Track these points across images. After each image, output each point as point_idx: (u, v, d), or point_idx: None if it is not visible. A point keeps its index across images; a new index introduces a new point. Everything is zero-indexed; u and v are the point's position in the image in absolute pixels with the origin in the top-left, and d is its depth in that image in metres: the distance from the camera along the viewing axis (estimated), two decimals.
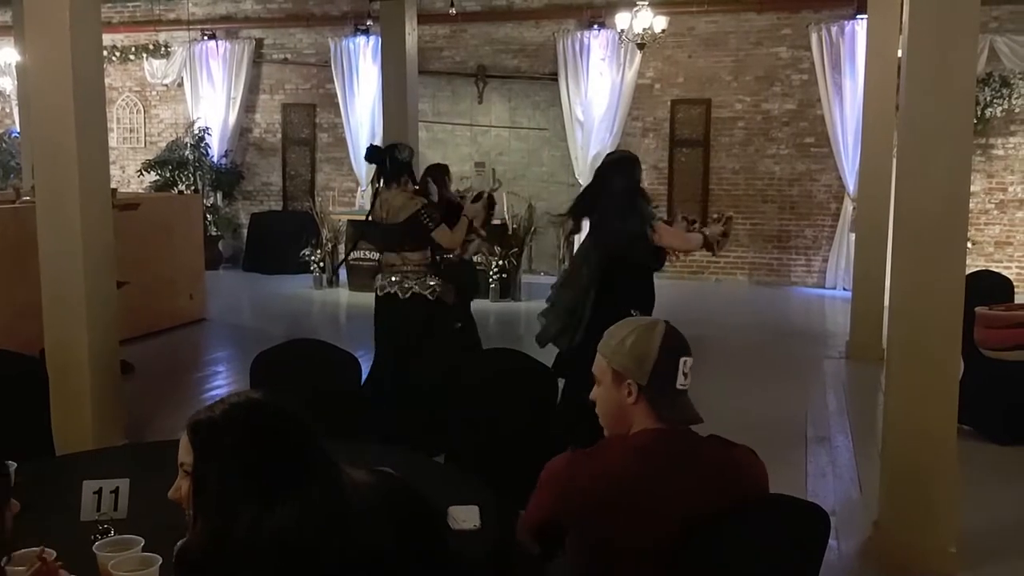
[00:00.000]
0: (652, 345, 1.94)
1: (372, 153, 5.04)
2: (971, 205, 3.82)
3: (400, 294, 4.79)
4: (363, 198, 10.84)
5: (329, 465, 1.48)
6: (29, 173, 8.53)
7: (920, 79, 3.54)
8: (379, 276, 4.96)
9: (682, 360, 1.95)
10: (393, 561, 1.45)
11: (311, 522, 1.40)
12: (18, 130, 12.18)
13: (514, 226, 10.11)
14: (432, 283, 4.83)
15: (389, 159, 4.91)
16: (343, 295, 10.40)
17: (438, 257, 4.92)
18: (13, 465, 2.26)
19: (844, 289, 10.02)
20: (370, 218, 5.04)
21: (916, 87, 3.56)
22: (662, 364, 1.93)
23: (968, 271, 3.79)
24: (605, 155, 4.89)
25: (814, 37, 10.32)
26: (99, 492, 2.17)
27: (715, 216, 5.21)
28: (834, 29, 10.24)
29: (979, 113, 9.43)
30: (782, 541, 1.86)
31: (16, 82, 11.27)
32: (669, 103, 11.26)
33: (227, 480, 1.44)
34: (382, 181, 4.98)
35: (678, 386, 1.94)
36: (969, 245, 3.88)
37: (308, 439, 1.49)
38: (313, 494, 1.42)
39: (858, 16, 9.85)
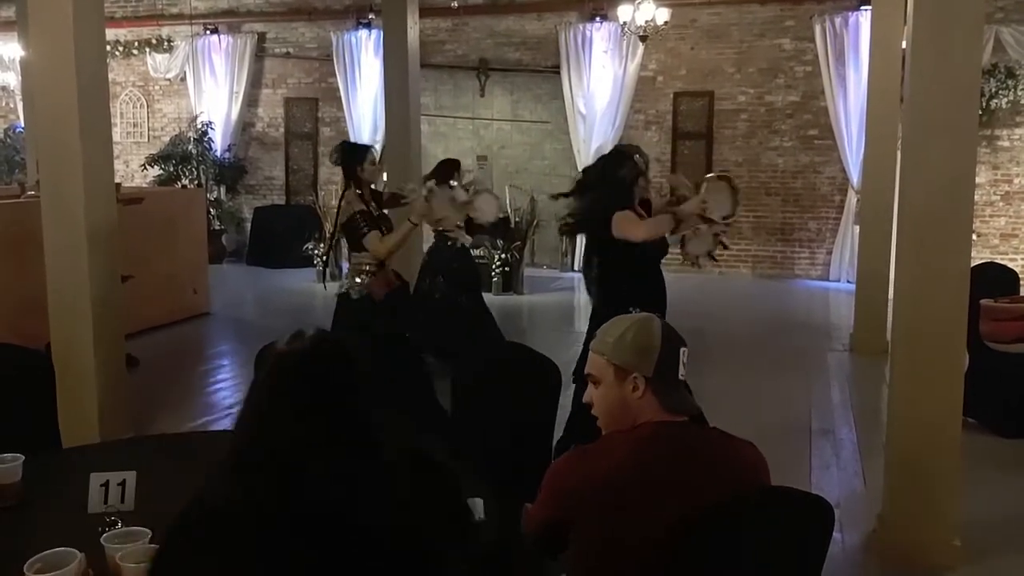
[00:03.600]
0: (655, 337, 1.96)
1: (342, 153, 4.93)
2: (976, 197, 3.81)
3: (352, 293, 4.67)
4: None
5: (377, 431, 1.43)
6: (33, 168, 8.53)
7: (924, 70, 3.53)
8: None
9: (682, 350, 1.99)
10: (419, 539, 1.41)
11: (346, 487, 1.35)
12: (22, 125, 12.19)
13: (516, 219, 10.11)
14: (360, 280, 4.68)
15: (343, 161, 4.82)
16: None
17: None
18: (21, 458, 2.28)
19: (848, 282, 10.02)
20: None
21: (920, 78, 3.55)
22: (665, 355, 1.95)
23: (973, 263, 3.77)
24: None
25: (818, 28, 10.29)
26: (106, 484, 2.18)
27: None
28: (838, 20, 10.21)
29: (984, 104, 9.40)
30: (786, 534, 1.86)
31: (20, 77, 11.27)
32: (672, 96, 11.24)
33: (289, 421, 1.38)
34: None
35: (680, 376, 1.97)
36: (974, 237, 3.87)
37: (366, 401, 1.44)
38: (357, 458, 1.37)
39: (862, 7, 9.83)
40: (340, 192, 4.87)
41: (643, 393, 1.94)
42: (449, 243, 6.43)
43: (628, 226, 4.05)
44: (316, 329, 1.47)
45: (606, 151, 10.64)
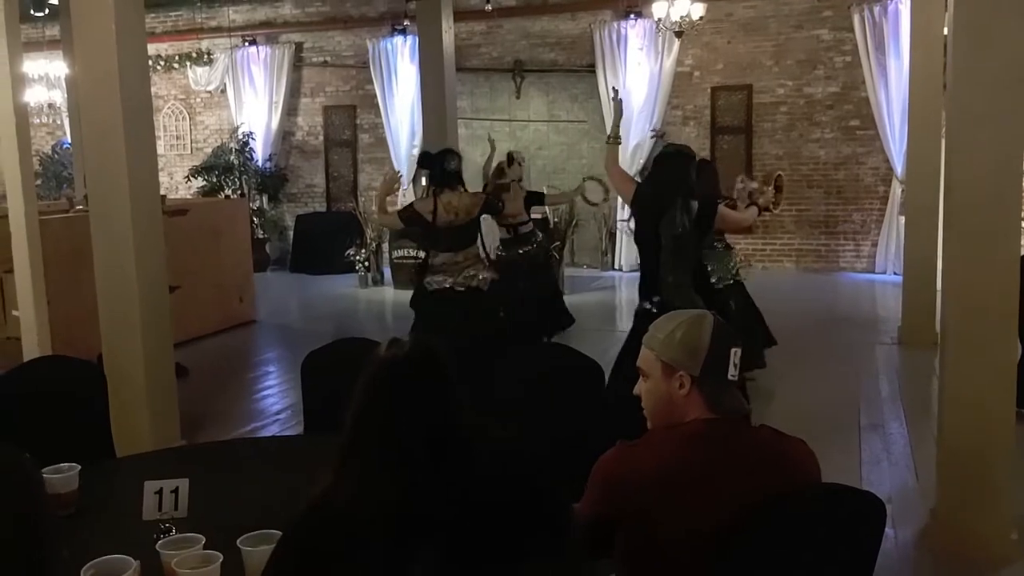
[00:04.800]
0: (704, 337, 1.94)
1: (424, 159, 5.52)
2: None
3: (458, 287, 5.12)
4: (405, 197, 10.91)
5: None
6: (81, 183, 8.73)
7: (967, 56, 3.47)
8: (435, 276, 5.17)
9: (732, 351, 1.94)
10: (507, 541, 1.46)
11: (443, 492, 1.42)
12: (69, 141, 12.47)
13: (555, 219, 10.09)
14: (486, 275, 5.23)
15: (441, 170, 5.24)
16: (388, 293, 10.49)
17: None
18: (77, 467, 2.34)
19: (895, 274, 9.85)
20: (432, 220, 5.19)
21: (964, 65, 3.48)
22: (714, 355, 1.93)
23: (1023, 252, 3.70)
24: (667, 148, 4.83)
25: (856, 18, 10.14)
26: (160, 492, 2.22)
27: (762, 178, 5.74)
28: (877, 9, 10.06)
29: None
30: (837, 531, 1.84)
31: (66, 94, 11.53)
32: (709, 90, 11.16)
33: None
34: (434, 186, 5.30)
35: (729, 376, 1.93)
36: (1023, 225, 3.80)
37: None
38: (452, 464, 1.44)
39: None
40: (433, 197, 5.28)
41: (689, 391, 1.93)
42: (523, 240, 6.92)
43: (731, 221, 4.69)
44: (412, 335, 1.56)
45: (644, 148, 10.61)
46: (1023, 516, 3.59)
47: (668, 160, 4.45)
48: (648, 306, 4.28)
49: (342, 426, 1.50)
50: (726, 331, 1.97)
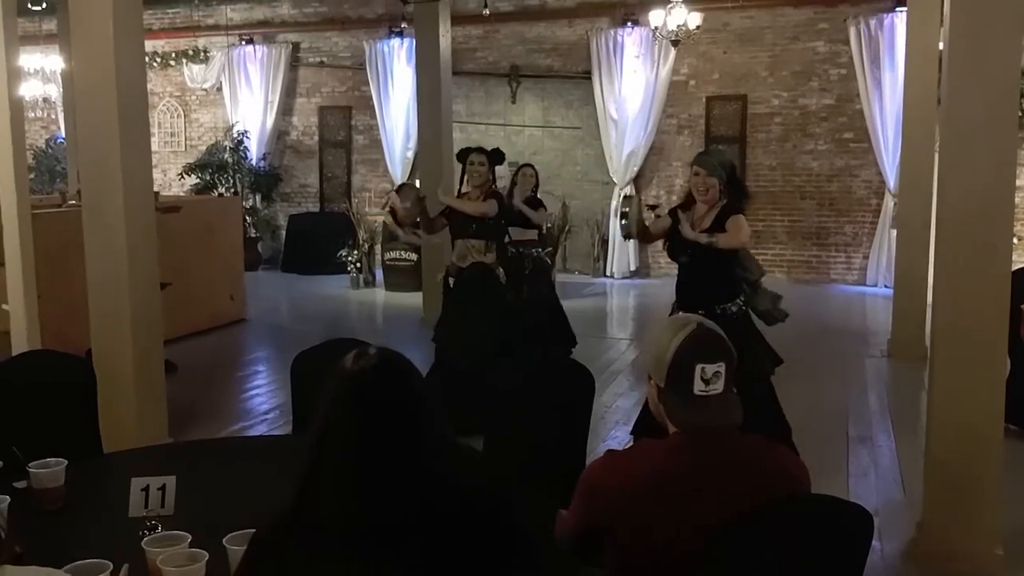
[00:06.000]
0: (668, 349, 1.92)
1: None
2: (1016, 200, 3.75)
3: (501, 277, 5.49)
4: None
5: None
6: (74, 177, 8.72)
7: (962, 72, 3.48)
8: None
9: (699, 367, 1.88)
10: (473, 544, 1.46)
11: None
12: (63, 135, 12.43)
13: (548, 225, 10.10)
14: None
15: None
16: (380, 295, 10.47)
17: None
18: (64, 463, 2.33)
19: (885, 286, 9.89)
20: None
21: (958, 80, 3.50)
22: (675, 369, 1.91)
23: (1014, 267, 3.71)
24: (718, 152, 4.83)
25: (852, 31, 10.19)
26: (146, 489, 2.21)
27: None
28: (872, 22, 10.11)
29: (1023, 105, 9.23)
30: (825, 542, 1.84)
31: (61, 89, 11.50)
32: (704, 100, 11.19)
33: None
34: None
35: (696, 392, 1.88)
36: (1015, 241, 3.82)
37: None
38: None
39: (897, 8, 9.72)
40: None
41: (659, 399, 1.95)
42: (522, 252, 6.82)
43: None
44: (379, 348, 1.54)
45: (639, 156, 10.54)
46: (1010, 532, 3.60)
47: (717, 156, 4.51)
48: (734, 308, 4.19)
49: (307, 439, 1.50)
50: (698, 346, 1.91)
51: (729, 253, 4.14)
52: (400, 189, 5.76)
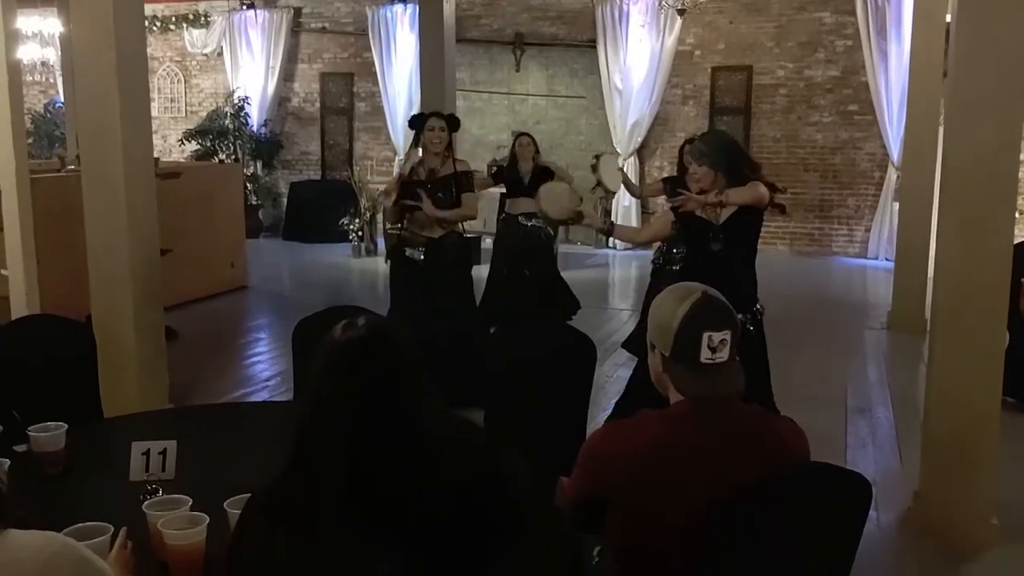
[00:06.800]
0: (675, 316, 1.91)
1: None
2: (1020, 173, 3.72)
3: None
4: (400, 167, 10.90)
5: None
6: (73, 142, 8.65)
7: (969, 44, 3.45)
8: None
9: (706, 335, 1.88)
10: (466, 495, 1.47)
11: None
12: (62, 100, 12.35)
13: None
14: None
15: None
16: (381, 264, 10.45)
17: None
18: (64, 427, 2.33)
19: (886, 259, 9.87)
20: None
21: (965, 52, 3.46)
22: (683, 337, 1.90)
23: (1016, 240, 3.70)
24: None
25: (859, 1, 10.08)
26: (147, 453, 2.22)
27: None
28: None
29: None
30: (823, 510, 1.85)
31: (60, 52, 11.41)
32: (709, 70, 11.11)
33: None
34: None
35: (703, 360, 1.88)
36: (1017, 215, 3.80)
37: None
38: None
39: None
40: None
41: (664, 369, 1.95)
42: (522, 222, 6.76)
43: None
44: (368, 317, 1.53)
45: (643, 126, 10.39)
46: (1005, 502, 3.62)
47: (711, 140, 4.05)
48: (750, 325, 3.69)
49: (298, 409, 1.49)
50: (705, 313, 1.91)
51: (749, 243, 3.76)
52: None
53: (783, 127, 10.87)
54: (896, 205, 8.99)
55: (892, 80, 9.98)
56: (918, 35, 7.21)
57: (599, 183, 4.85)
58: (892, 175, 10.11)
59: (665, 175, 6.63)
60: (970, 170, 3.45)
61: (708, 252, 3.65)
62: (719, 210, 3.63)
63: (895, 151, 9.94)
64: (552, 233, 7.20)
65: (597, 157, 5.22)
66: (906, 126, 7.57)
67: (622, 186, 6.06)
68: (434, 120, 5.06)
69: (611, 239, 11.33)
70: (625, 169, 9.60)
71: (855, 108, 10.55)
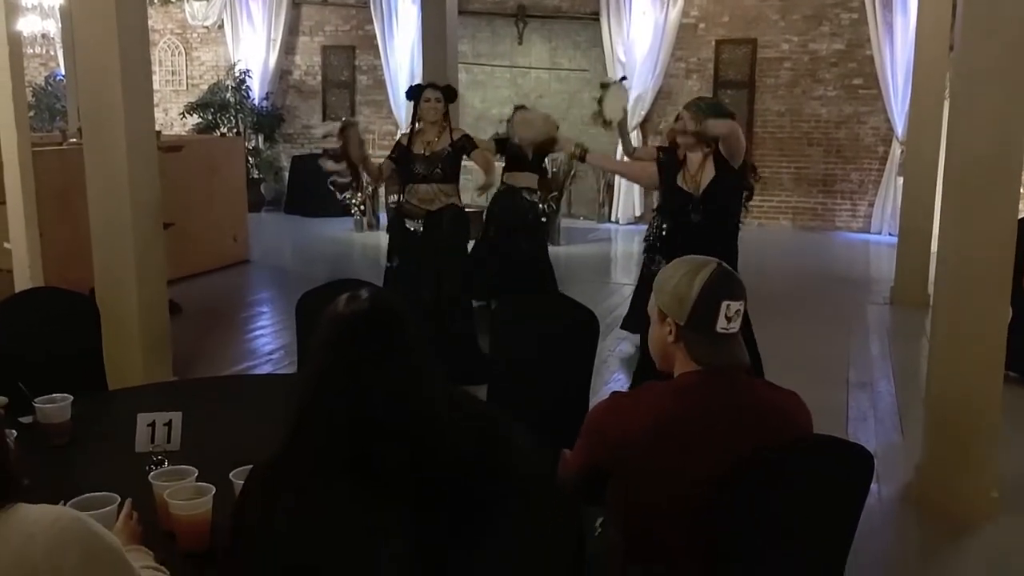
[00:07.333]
0: (694, 286, 1.92)
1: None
2: None
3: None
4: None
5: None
6: (75, 115, 8.62)
7: (976, 18, 3.42)
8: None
9: (724, 304, 1.90)
10: (468, 471, 1.47)
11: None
12: (63, 73, 12.28)
13: (554, 169, 10.02)
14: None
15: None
16: (383, 238, 10.43)
17: None
18: (70, 398, 2.34)
19: (890, 234, 9.86)
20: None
21: (972, 26, 3.44)
22: (701, 306, 1.91)
23: (1020, 215, 3.70)
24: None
25: None
26: (152, 424, 2.23)
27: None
28: None
29: None
30: (824, 482, 1.86)
31: (60, 25, 11.34)
32: (713, 43, 11.03)
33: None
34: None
35: (718, 329, 1.90)
36: (1022, 190, 3.78)
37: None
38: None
39: None
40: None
41: (676, 339, 1.94)
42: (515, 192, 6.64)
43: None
44: (371, 290, 1.52)
45: (646, 100, 10.32)
46: (1005, 476, 3.64)
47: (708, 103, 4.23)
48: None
49: (300, 381, 1.49)
50: (722, 283, 1.92)
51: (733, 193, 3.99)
52: (346, 128, 5.34)
53: (787, 101, 10.81)
54: (900, 180, 8.96)
55: (897, 54, 9.91)
56: (924, 8, 7.16)
57: (599, 110, 4.80)
58: (896, 150, 10.06)
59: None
60: (974, 145, 3.44)
61: (689, 225, 3.85)
62: (699, 178, 3.87)
63: (900, 125, 9.89)
64: (555, 207, 7.14)
65: (606, 85, 5.10)
66: (911, 100, 7.53)
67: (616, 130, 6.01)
68: (430, 91, 5.18)
69: (612, 213, 11.32)
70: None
71: (860, 82, 10.49)
